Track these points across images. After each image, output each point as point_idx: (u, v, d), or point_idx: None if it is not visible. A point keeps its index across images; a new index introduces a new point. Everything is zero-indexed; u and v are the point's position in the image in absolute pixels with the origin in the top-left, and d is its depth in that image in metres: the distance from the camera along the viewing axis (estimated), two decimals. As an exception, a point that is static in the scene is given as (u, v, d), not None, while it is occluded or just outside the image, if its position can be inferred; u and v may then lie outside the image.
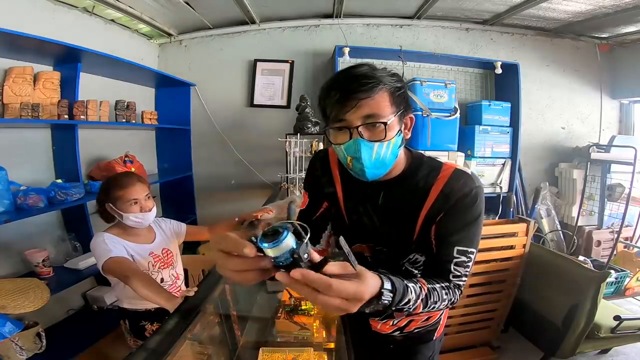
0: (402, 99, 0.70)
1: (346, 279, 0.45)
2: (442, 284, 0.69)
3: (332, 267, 0.45)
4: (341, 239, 0.45)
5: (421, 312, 0.66)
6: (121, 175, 1.32)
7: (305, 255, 0.43)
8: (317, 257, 0.44)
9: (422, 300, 0.62)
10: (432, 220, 0.75)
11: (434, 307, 0.66)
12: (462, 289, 0.74)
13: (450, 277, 0.72)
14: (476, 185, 0.73)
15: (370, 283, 0.49)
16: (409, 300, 0.58)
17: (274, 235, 0.43)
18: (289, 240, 0.42)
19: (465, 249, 0.72)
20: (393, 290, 0.54)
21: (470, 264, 0.73)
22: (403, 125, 0.73)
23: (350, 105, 0.65)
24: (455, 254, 0.72)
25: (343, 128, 0.68)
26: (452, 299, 0.70)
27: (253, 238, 0.44)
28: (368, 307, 0.51)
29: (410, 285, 0.60)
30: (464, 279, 0.73)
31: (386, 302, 0.53)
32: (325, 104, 0.69)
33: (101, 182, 1.40)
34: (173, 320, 0.82)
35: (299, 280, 0.42)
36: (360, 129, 0.66)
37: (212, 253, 0.44)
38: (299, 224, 0.45)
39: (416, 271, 0.83)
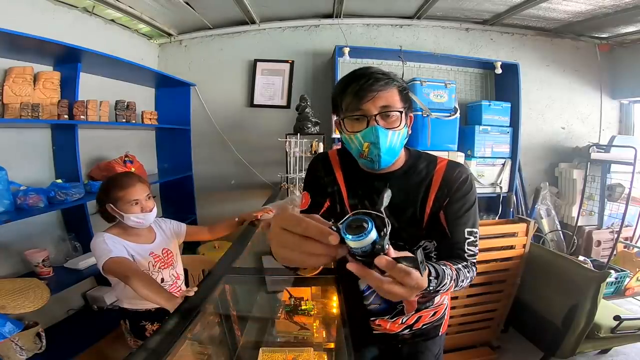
0: (408, 98, 0.80)
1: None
2: (463, 264, 0.77)
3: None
4: (420, 251, 0.47)
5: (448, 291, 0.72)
6: (121, 176, 1.31)
7: (387, 246, 0.44)
8: (392, 252, 0.46)
9: (454, 280, 0.68)
10: (439, 207, 0.82)
11: (461, 285, 0.74)
12: (476, 265, 0.82)
13: (466, 257, 0.80)
14: (469, 172, 0.84)
15: (425, 273, 0.53)
16: (446, 284, 0.65)
17: (358, 228, 0.43)
18: (373, 233, 0.43)
19: (472, 229, 0.81)
20: (437, 276, 0.61)
21: (477, 242, 0.82)
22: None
23: (369, 97, 0.74)
24: (466, 235, 0.81)
25: (361, 117, 0.76)
26: (472, 276, 0.79)
27: (334, 228, 0.43)
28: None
29: (444, 268, 0.66)
30: (476, 256, 0.82)
31: (431, 288, 0.59)
32: (343, 97, 0.77)
33: (101, 182, 1.39)
34: (173, 320, 0.83)
35: (374, 269, 0.45)
36: (377, 117, 0.75)
37: (277, 233, 0.44)
38: (378, 215, 0.47)
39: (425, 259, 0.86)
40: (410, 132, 0.83)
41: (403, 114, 0.77)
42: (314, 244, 0.42)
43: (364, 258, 0.44)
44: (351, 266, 0.45)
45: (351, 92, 0.75)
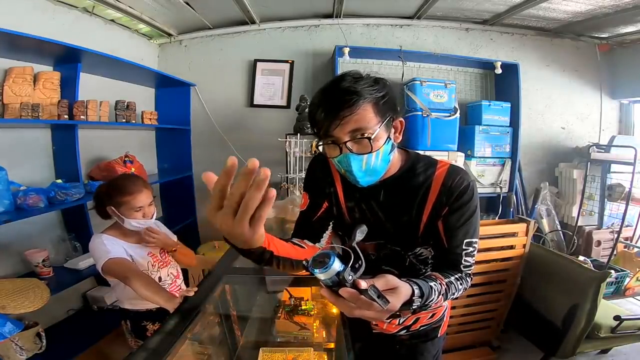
0: (388, 106, 0.72)
1: (384, 294, 0.53)
2: (456, 275, 0.74)
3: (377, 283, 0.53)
4: (372, 287, 0.51)
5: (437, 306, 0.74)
6: (127, 181, 1.28)
7: (350, 278, 0.50)
8: (362, 284, 0.50)
9: (442, 295, 0.68)
10: (437, 214, 0.78)
11: (450, 298, 0.73)
12: (472, 275, 0.80)
13: (462, 268, 0.77)
14: (471, 179, 0.79)
15: (402, 294, 0.56)
16: (433, 299, 0.64)
17: (322, 261, 0.50)
18: (336, 265, 0.49)
19: (471, 240, 0.77)
20: (422, 295, 0.61)
21: (475, 252, 0.79)
22: (393, 130, 0.75)
23: (335, 123, 0.68)
24: (464, 246, 0.77)
25: (333, 143, 0.71)
26: (466, 287, 0.77)
27: (304, 262, 0.51)
28: (399, 311, 0.57)
29: (432, 284, 0.65)
30: (472, 267, 0.79)
31: (415, 306, 0.60)
32: (315, 121, 0.72)
33: (105, 182, 1.37)
34: (173, 320, 0.83)
35: (344, 298, 0.51)
36: (348, 144, 0.70)
37: None
38: (343, 248, 0.53)
39: (420, 265, 0.86)
40: (399, 140, 0.78)
41: (380, 131, 0.70)
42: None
43: (335, 287, 0.51)
44: (323, 292, 0.52)
45: (319, 117, 0.70)
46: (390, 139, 0.74)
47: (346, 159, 0.70)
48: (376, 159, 0.72)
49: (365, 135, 0.68)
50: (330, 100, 0.69)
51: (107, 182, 1.34)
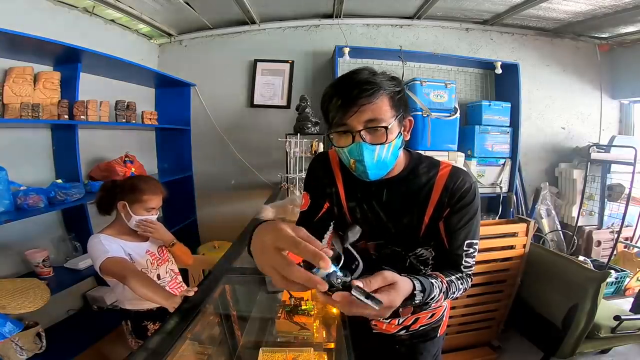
0: (401, 103, 0.73)
1: (383, 290, 0.53)
2: (457, 275, 0.76)
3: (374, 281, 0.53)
4: (356, 288, 0.49)
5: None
6: (150, 182, 1.33)
7: (338, 281, 0.48)
8: (357, 285, 0.49)
9: (443, 292, 0.68)
10: (438, 216, 0.79)
11: (452, 296, 0.73)
12: (472, 276, 0.81)
13: (462, 268, 0.79)
14: (473, 180, 0.79)
15: (402, 289, 0.56)
16: (435, 296, 0.65)
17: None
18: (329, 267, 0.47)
19: (471, 241, 0.79)
20: (423, 290, 0.61)
21: (476, 253, 0.80)
22: (402, 127, 0.76)
23: (353, 111, 0.68)
24: (465, 247, 0.78)
25: (346, 132, 0.71)
26: (466, 287, 0.78)
27: (302, 263, 0.49)
28: (401, 307, 0.57)
29: (433, 281, 0.66)
30: (473, 268, 0.81)
31: (417, 301, 0.61)
32: (328, 109, 0.72)
33: (126, 178, 1.41)
34: (173, 320, 0.83)
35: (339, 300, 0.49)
36: (362, 133, 0.69)
37: (269, 250, 0.45)
38: (344, 250, 0.52)
39: (421, 265, 0.86)
40: (408, 138, 0.79)
41: (395, 124, 0.71)
42: (300, 272, 0.43)
43: (332, 288, 0.49)
44: (318, 294, 0.49)
45: (335, 105, 0.70)
46: (401, 134, 0.75)
47: (359, 148, 0.70)
48: (387, 151, 0.72)
49: (381, 125, 0.69)
50: (348, 89, 0.69)
51: (124, 179, 1.38)
